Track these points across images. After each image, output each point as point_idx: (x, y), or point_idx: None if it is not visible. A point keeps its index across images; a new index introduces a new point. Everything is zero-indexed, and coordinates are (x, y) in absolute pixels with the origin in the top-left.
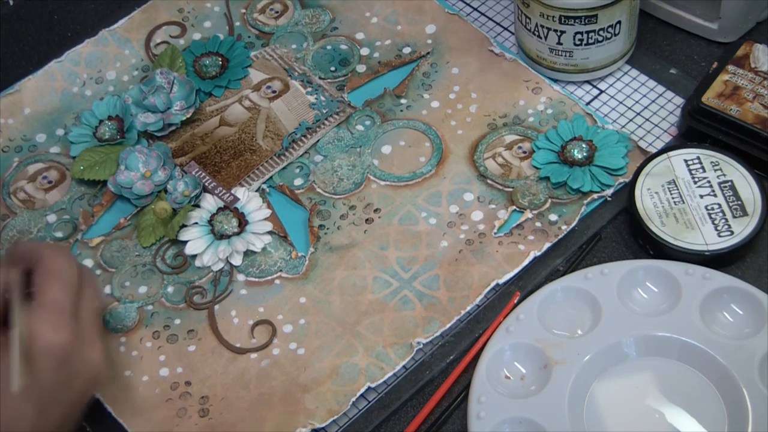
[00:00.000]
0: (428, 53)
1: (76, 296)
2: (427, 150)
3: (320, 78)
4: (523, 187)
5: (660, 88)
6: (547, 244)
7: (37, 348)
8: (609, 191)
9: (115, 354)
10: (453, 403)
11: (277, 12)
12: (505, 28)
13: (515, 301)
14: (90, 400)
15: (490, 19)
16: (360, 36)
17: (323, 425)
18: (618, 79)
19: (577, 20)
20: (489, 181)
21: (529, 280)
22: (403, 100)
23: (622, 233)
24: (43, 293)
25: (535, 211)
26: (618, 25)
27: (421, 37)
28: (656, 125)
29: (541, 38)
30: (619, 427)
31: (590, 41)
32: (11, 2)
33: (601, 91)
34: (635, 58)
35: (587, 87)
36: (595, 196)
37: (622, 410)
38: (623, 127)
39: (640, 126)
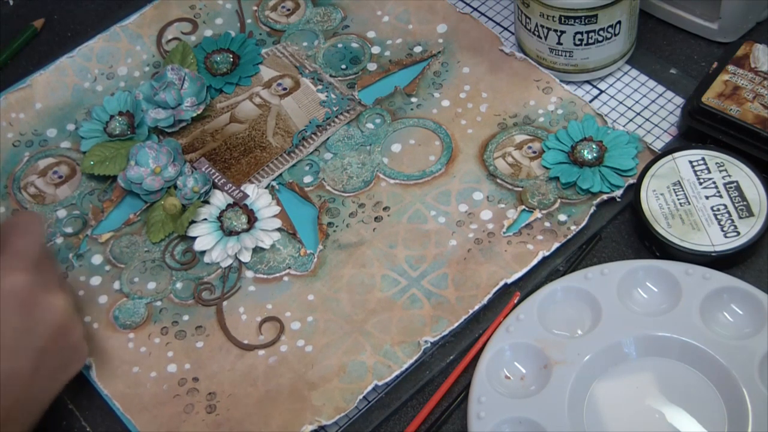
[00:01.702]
0: (439, 52)
1: (40, 250)
2: (436, 149)
3: (331, 76)
4: (533, 187)
5: (660, 88)
6: (556, 244)
7: None
8: (619, 192)
9: (123, 350)
10: (453, 403)
11: (288, 10)
12: (505, 28)
13: (515, 301)
14: (68, 364)
15: (490, 19)
16: (371, 34)
17: (330, 422)
18: (618, 79)
19: (577, 20)
20: (498, 181)
21: (529, 280)
22: (413, 99)
23: (622, 233)
24: (7, 243)
25: (544, 211)
26: (618, 25)
27: (432, 36)
28: (656, 125)
29: (541, 38)
30: (619, 427)
31: (590, 41)
32: (11, 2)
33: (601, 91)
34: (635, 58)
35: (587, 87)
36: (604, 197)
37: (622, 410)
38: (623, 127)
39: (640, 126)
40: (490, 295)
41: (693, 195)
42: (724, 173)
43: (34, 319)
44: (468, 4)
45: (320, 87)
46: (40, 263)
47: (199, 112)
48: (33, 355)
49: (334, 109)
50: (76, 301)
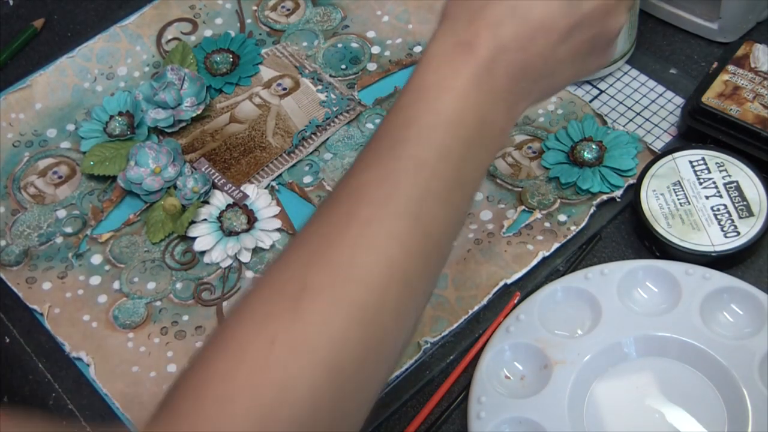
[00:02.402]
0: None
1: None
2: None
3: (331, 76)
4: (533, 187)
5: (660, 88)
6: (556, 245)
7: None
8: (618, 192)
9: (122, 349)
10: (453, 403)
11: (288, 10)
12: None
13: (515, 301)
14: (593, 49)
15: None
16: (371, 34)
17: None
18: (618, 79)
19: None
20: (498, 181)
21: (529, 280)
22: None
23: (622, 233)
24: None
25: (544, 212)
26: None
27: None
28: (656, 125)
29: None
30: (619, 427)
31: None
32: (11, 2)
33: (601, 91)
34: (635, 58)
35: (587, 87)
36: (604, 197)
37: (622, 410)
38: (623, 127)
39: (640, 126)
40: (490, 296)
41: (693, 195)
42: (724, 173)
43: None
44: None
45: (320, 87)
46: None
47: (198, 113)
48: (573, 16)
49: (334, 109)
50: None
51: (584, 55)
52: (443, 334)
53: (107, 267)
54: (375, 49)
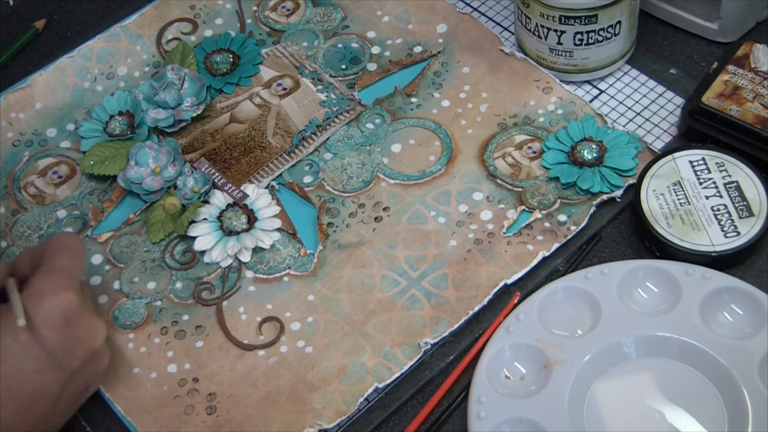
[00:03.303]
0: (439, 52)
1: (82, 272)
2: (436, 149)
3: (331, 76)
4: (533, 187)
5: (660, 88)
6: (556, 245)
7: (44, 305)
8: (619, 192)
9: (123, 351)
10: (453, 403)
11: (288, 10)
12: (505, 28)
13: (515, 301)
14: (89, 387)
15: (490, 19)
16: (371, 34)
17: (331, 426)
18: (618, 79)
19: (577, 20)
20: (498, 181)
21: (529, 280)
22: (413, 99)
23: (622, 233)
24: (52, 261)
25: (544, 212)
26: (618, 25)
27: (432, 36)
28: (656, 125)
29: (541, 38)
30: (619, 427)
31: (590, 41)
32: (11, 2)
33: (601, 91)
34: (635, 58)
35: (587, 87)
36: (604, 197)
37: (622, 410)
38: (623, 127)
39: (640, 126)
40: (490, 296)
41: (693, 195)
42: (724, 173)
43: (74, 338)
44: (468, 4)
45: (320, 87)
46: (82, 286)
47: (199, 112)
48: (64, 376)
49: (334, 109)
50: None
51: (82, 393)
52: (443, 335)
53: (107, 267)
54: (375, 49)
